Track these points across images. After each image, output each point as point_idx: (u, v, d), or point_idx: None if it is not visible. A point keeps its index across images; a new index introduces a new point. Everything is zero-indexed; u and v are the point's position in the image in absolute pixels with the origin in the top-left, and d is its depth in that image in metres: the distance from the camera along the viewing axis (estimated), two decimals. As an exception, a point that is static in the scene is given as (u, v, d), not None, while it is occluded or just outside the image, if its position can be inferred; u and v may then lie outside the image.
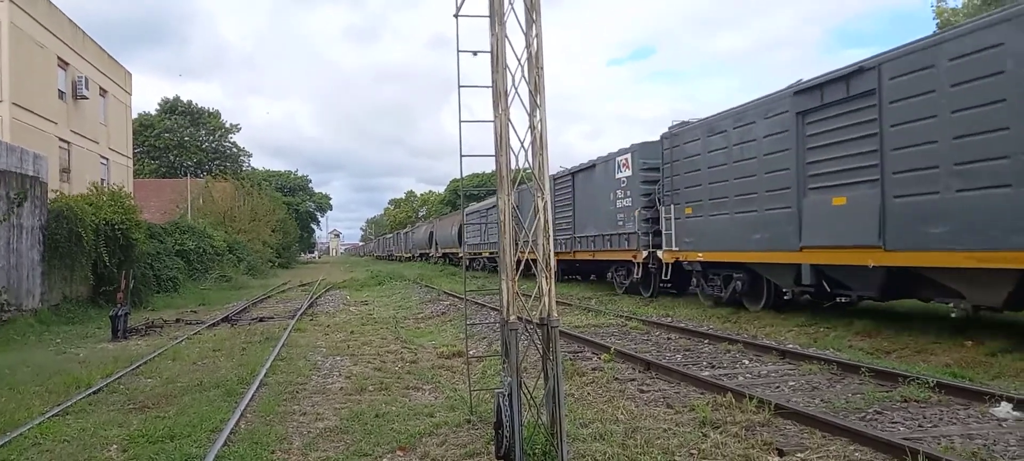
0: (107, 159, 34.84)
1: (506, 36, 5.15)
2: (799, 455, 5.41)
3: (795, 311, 13.99)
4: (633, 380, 8.50)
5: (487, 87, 5.51)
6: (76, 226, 17.55)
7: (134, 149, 44.67)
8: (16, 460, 5.86)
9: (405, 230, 71.06)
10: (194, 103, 72.40)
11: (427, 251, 58.80)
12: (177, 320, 17.22)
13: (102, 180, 29.88)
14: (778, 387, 7.97)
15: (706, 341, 11.38)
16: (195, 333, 14.26)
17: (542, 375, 5.28)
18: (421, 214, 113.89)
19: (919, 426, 6.21)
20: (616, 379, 8.51)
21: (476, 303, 18.14)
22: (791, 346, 10.58)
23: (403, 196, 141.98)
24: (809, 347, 10.56)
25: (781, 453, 5.46)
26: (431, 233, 57.67)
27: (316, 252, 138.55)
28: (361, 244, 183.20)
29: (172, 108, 71.17)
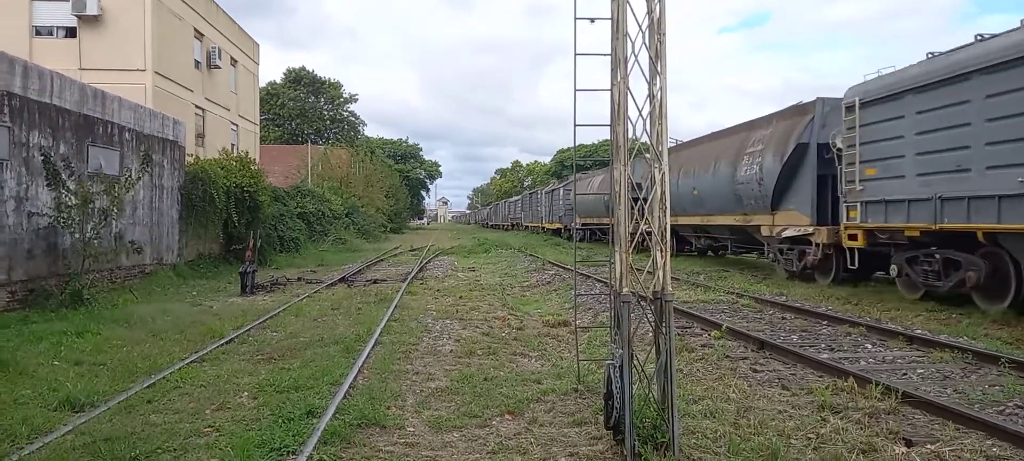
0: (237, 125, 37.01)
1: (627, 1, 5.02)
2: (929, 447, 5.09)
3: (924, 294, 13.10)
4: (745, 359, 8.25)
5: (603, 55, 5.42)
6: (210, 188, 18.82)
7: (260, 116, 47.24)
8: (161, 401, 6.40)
9: (546, 189, 52.28)
10: (316, 74, 75.68)
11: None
12: (298, 279, 18.19)
13: (232, 145, 31.86)
14: (905, 374, 7.51)
15: (824, 322, 10.86)
16: (315, 292, 15.02)
17: (652, 349, 5.21)
18: (526, 184, 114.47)
19: (1068, 425, 5.70)
20: (727, 357, 8.29)
21: (581, 275, 18.12)
22: (919, 332, 9.92)
23: (509, 166, 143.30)
24: (940, 333, 9.87)
25: (909, 444, 5.16)
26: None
27: (425, 218, 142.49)
28: (468, 212, 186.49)
29: (297, 78, 74.68)
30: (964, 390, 6.77)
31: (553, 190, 47.46)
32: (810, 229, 15.28)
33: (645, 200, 5.22)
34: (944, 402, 6.06)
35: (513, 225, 70.67)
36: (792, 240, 16.25)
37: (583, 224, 39.71)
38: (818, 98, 15.64)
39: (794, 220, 15.93)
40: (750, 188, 17.35)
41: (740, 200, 18.04)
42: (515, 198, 79.47)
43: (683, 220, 22.29)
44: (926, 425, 5.65)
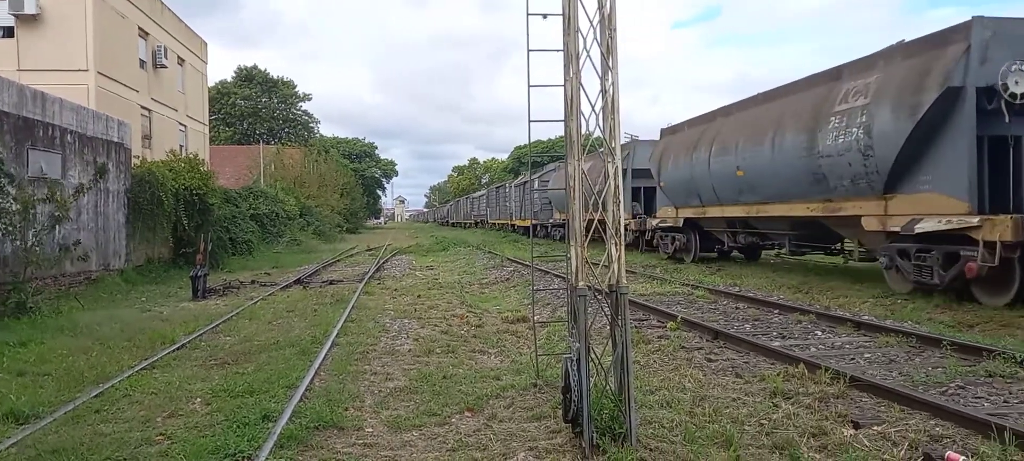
0: (185, 126, 36.16)
1: (578, -2, 5.06)
2: (876, 428, 5.26)
3: (871, 281, 13.52)
4: (700, 349, 8.40)
5: (556, 51, 5.46)
6: (157, 190, 18.34)
7: (210, 116, 46.21)
8: (109, 410, 6.22)
9: (505, 186, 47.62)
10: (268, 72, 74.34)
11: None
12: (252, 282, 17.87)
13: (180, 146, 31.12)
14: (853, 359, 7.74)
15: (776, 311, 11.13)
16: (269, 294, 14.78)
17: (609, 342, 5.27)
18: (483, 181, 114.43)
19: (1005, 402, 5.95)
20: (683, 347, 8.43)
21: (539, 270, 18.20)
22: (866, 318, 10.24)
23: (466, 163, 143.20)
24: (886, 319, 10.21)
25: (857, 426, 5.32)
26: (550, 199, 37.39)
27: (382, 218, 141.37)
28: (426, 211, 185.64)
29: (248, 77, 73.24)
30: (909, 373, 7.00)
31: (525, 183, 40.58)
32: (973, 220, 10.31)
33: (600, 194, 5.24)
34: (890, 385, 6.27)
35: (478, 223, 65.51)
36: (928, 239, 11.32)
37: (565, 221, 32.78)
38: (975, 18, 10.62)
39: (935, 206, 11.04)
40: (843, 162, 12.49)
41: (823, 181, 13.22)
42: (479, 193, 73.46)
43: (713, 212, 18.33)
44: (873, 407, 5.83)
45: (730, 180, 16.66)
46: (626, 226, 23.47)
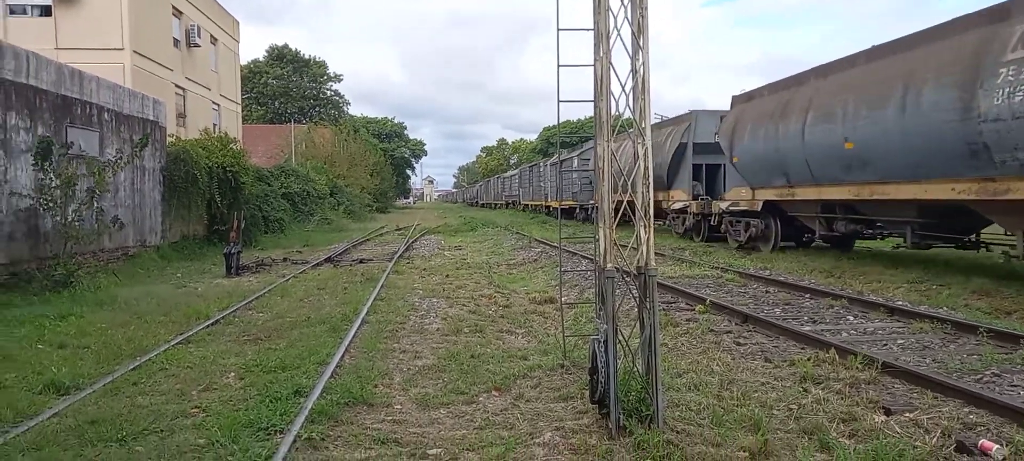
0: (218, 105, 36.62)
1: (609, -24, 5.00)
2: (908, 415, 5.19)
3: (906, 266, 13.27)
4: (729, 332, 8.34)
5: (586, 30, 5.42)
6: (192, 168, 18.64)
7: (242, 95, 46.73)
8: (147, 383, 6.38)
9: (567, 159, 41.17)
10: (299, 52, 74.81)
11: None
12: (284, 259, 18.12)
13: (214, 125, 31.58)
14: (886, 345, 7.63)
15: (807, 295, 10.99)
16: (301, 272, 14.98)
17: (637, 324, 5.26)
18: (512, 162, 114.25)
19: (1043, 392, 5.83)
20: (711, 331, 8.38)
21: (567, 251, 18.18)
22: (900, 303, 10.07)
23: (494, 144, 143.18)
24: (920, 305, 10.03)
25: (888, 412, 5.25)
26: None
27: (411, 198, 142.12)
28: (455, 191, 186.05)
29: (280, 56, 73.81)
30: (943, 360, 6.89)
31: (564, 160, 37.79)
32: None
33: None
34: (923, 371, 6.17)
35: (508, 204, 62.21)
36: None
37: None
38: None
39: None
40: (1020, 128, 9.68)
41: (982, 153, 10.43)
42: (511, 173, 69.80)
43: (805, 193, 15.41)
44: (905, 394, 5.75)
45: (833, 154, 13.80)
46: (686, 209, 21.93)
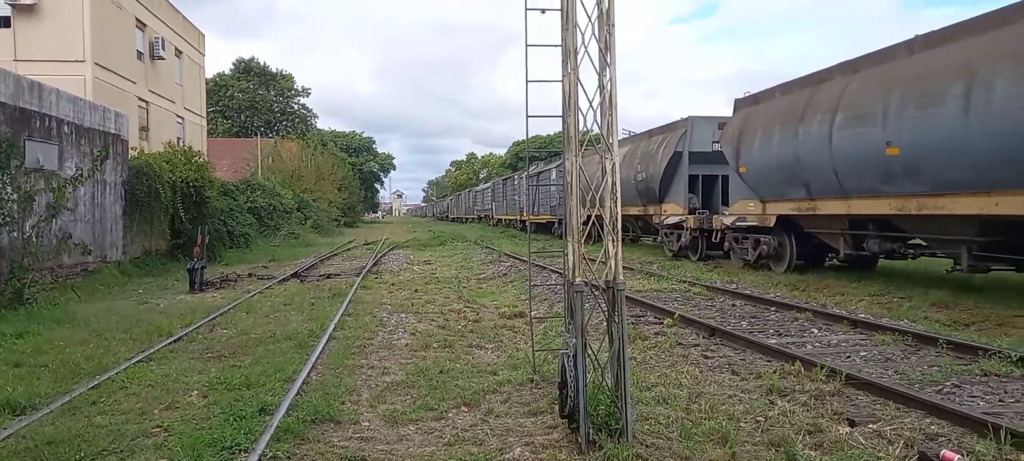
0: (182, 118, 36.06)
1: (577, -7, 5.05)
2: (871, 426, 5.28)
3: (868, 279, 13.53)
4: (697, 345, 8.41)
5: (554, 46, 5.46)
6: (154, 182, 18.31)
7: (208, 109, 46.10)
8: (106, 402, 6.22)
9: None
10: (267, 65, 74.13)
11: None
12: (249, 275, 17.85)
13: (178, 138, 31.06)
14: (849, 357, 7.76)
15: (773, 309, 11.14)
16: (267, 287, 14.77)
17: (606, 338, 5.28)
18: (482, 176, 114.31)
19: (1000, 401, 5.96)
20: (679, 344, 8.44)
21: (537, 266, 18.20)
22: (863, 316, 10.26)
23: (464, 158, 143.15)
24: (882, 317, 10.23)
25: (852, 424, 5.33)
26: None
27: (380, 212, 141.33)
28: (424, 205, 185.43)
29: (246, 69, 73.02)
30: (905, 371, 7.02)
31: (541, 173, 35.87)
32: None
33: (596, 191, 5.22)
34: (886, 383, 6.29)
35: (480, 218, 60.36)
36: None
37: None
38: None
39: None
40: None
41: None
42: (483, 186, 65.78)
43: (830, 207, 13.46)
44: (869, 405, 5.85)
45: (869, 161, 11.88)
46: (682, 224, 20.22)
